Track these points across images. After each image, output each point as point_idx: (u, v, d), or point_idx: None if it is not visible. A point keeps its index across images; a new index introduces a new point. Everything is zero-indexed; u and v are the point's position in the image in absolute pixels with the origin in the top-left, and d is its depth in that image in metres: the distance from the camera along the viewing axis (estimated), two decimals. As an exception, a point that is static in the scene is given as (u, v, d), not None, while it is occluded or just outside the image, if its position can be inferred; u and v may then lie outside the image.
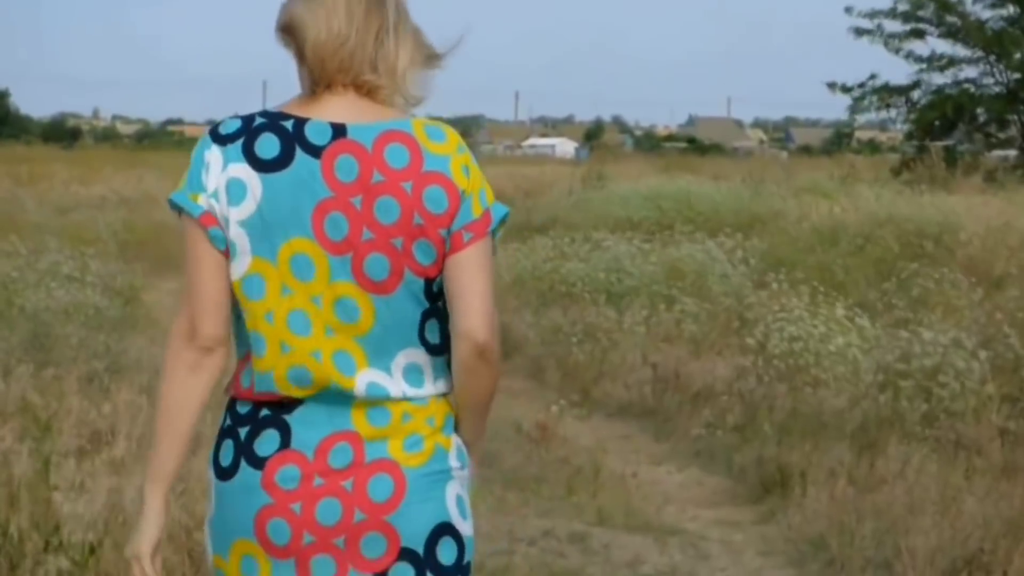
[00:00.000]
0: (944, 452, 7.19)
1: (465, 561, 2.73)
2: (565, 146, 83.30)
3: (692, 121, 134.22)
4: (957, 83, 31.15)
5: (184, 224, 2.68)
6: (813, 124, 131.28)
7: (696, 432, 8.60)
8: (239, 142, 2.61)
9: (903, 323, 9.12)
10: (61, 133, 75.23)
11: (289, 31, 2.65)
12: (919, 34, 30.97)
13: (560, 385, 10.36)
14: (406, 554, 2.63)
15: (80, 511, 4.94)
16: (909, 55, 30.87)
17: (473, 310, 2.59)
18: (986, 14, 30.64)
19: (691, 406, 9.07)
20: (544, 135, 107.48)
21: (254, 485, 2.61)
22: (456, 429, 2.74)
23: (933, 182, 21.57)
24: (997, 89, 31.03)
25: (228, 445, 2.67)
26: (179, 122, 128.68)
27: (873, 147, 73.28)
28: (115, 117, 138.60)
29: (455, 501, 2.72)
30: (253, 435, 2.64)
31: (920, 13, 30.66)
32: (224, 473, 2.66)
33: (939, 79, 31.28)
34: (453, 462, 2.72)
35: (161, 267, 19.20)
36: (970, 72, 31.28)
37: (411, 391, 2.64)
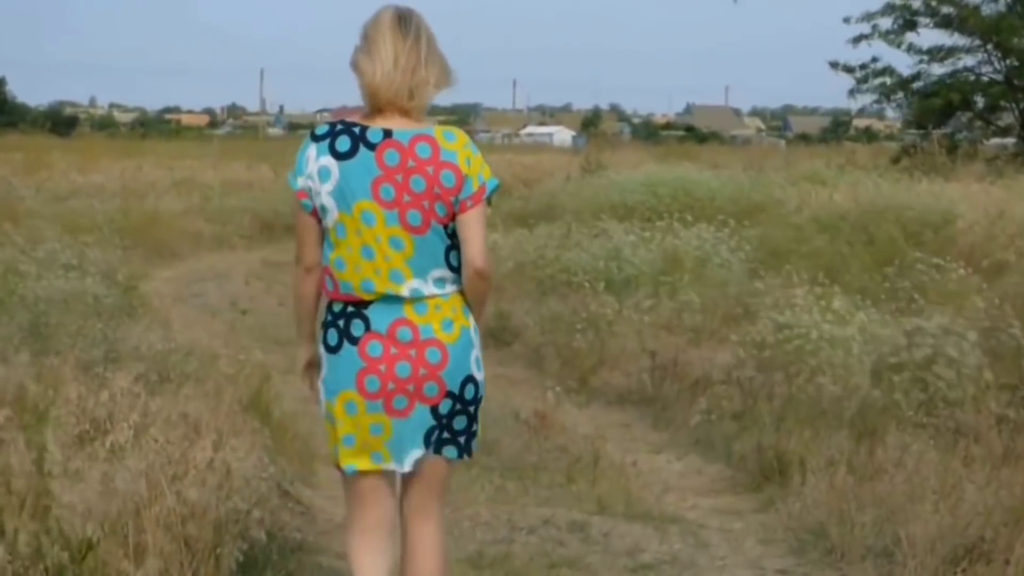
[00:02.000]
0: (943, 440, 7.17)
1: (479, 396, 4.39)
2: (563, 134, 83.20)
3: (690, 109, 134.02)
4: (956, 72, 31.11)
5: (295, 198, 4.32)
6: (811, 112, 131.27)
7: (695, 420, 8.59)
8: (326, 142, 4.24)
9: (902, 311, 9.11)
10: (58, 121, 75.11)
11: (355, 70, 4.25)
12: (911, 26, 30.91)
13: (559, 373, 10.36)
14: (449, 394, 4.29)
15: (77, 500, 4.91)
16: (910, 47, 30.82)
17: (473, 248, 4.23)
18: (982, 2, 30.60)
19: (690, 394, 9.06)
20: (542, 123, 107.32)
21: (353, 355, 4.24)
22: (470, 312, 4.35)
23: (932, 170, 21.55)
24: (995, 77, 31.00)
25: (332, 332, 4.29)
26: (176, 110, 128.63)
27: (871, 135, 73.25)
28: (112, 105, 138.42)
29: (475, 361, 4.36)
30: (347, 323, 4.26)
31: (912, 5, 30.59)
32: (332, 349, 4.29)
33: (939, 69, 31.25)
34: (473, 337, 4.35)
35: (158, 255, 19.24)
36: (968, 61, 31.26)
37: (438, 291, 4.26)
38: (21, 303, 9.96)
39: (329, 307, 4.31)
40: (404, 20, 4.23)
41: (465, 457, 4.42)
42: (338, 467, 4.38)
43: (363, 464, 4.32)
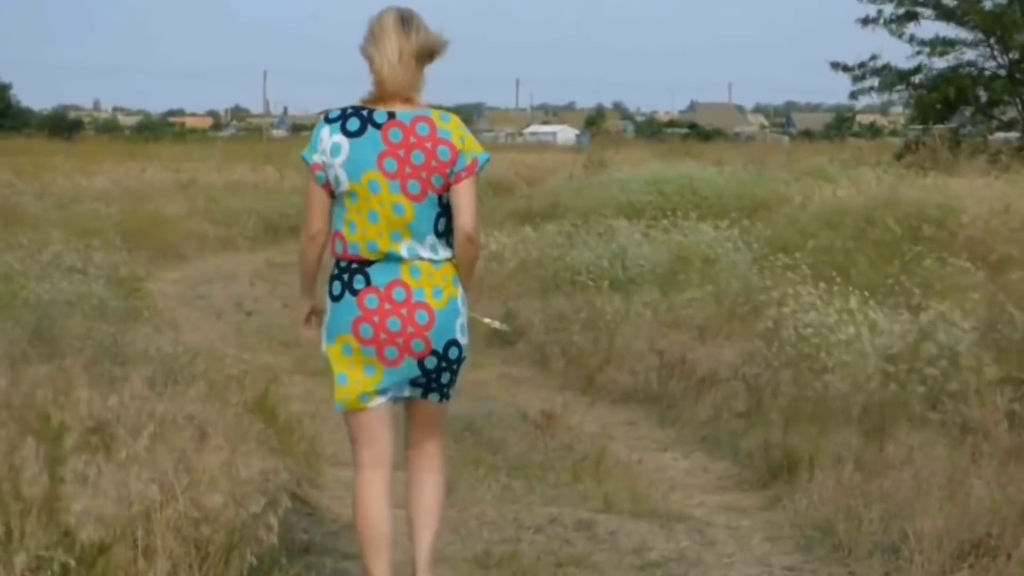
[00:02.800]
0: (951, 436, 7.17)
1: (462, 357, 4.99)
2: (566, 133, 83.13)
3: (693, 107, 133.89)
4: (958, 66, 31.06)
5: (308, 172, 4.95)
6: (814, 109, 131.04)
7: (702, 418, 8.60)
8: (338, 123, 4.91)
9: (907, 306, 9.10)
10: (62, 125, 75.09)
11: (365, 57, 4.93)
12: (912, 17, 30.88)
13: (565, 372, 10.37)
14: (434, 352, 4.90)
15: (88, 505, 4.92)
16: (912, 39, 30.80)
17: (465, 215, 4.88)
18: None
19: (696, 392, 9.06)
20: (545, 122, 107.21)
21: (352, 305, 4.89)
22: (459, 283, 4.98)
23: (936, 165, 21.53)
24: (998, 71, 30.96)
25: (337, 284, 4.93)
26: (180, 113, 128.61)
27: (874, 131, 73.15)
28: (116, 109, 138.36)
29: (459, 327, 4.96)
30: (351, 278, 4.90)
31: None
32: (335, 299, 4.93)
33: (940, 63, 31.21)
34: (459, 302, 4.96)
35: (163, 257, 19.27)
36: (970, 54, 31.22)
37: (432, 256, 4.90)
38: (26, 306, 9.99)
39: (336, 263, 4.96)
40: (406, 21, 4.93)
41: (444, 402, 5.09)
42: (341, 407, 5.02)
43: (353, 404, 4.96)
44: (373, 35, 4.91)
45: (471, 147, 4.91)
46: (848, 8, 30.19)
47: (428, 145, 4.85)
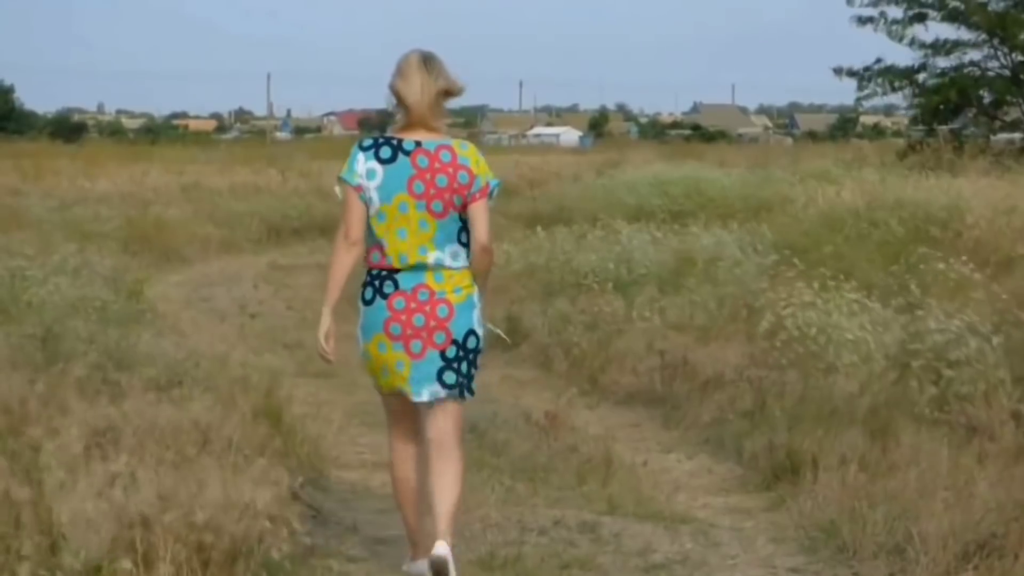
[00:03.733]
0: (956, 436, 7.17)
1: (479, 347, 5.70)
2: (570, 135, 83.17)
3: (697, 108, 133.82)
4: (961, 66, 31.03)
5: (346, 190, 5.61)
6: (817, 110, 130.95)
7: (706, 419, 8.58)
8: (371, 151, 5.61)
9: (911, 307, 9.09)
10: (66, 128, 75.14)
11: (394, 94, 5.66)
12: (921, 18, 30.86)
13: (568, 374, 10.35)
14: (454, 342, 5.60)
15: (90, 512, 4.92)
16: (913, 41, 30.78)
17: (480, 229, 5.59)
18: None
19: (700, 393, 9.05)
20: (549, 124, 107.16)
21: (383, 307, 5.58)
22: (476, 284, 5.67)
23: (939, 166, 21.49)
24: (1001, 71, 30.93)
25: (369, 290, 5.62)
26: (184, 116, 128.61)
27: (878, 131, 73.09)
28: (120, 111, 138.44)
29: (476, 319, 5.66)
30: (381, 284, 5.60)
31: (922, -3, 30.55)
32: (367, 302, 5.62)
33: (943, 63, 31.18)
34: (475, 298, 5.66)
35: (166, 260, 19.26)
36: (974, 55, 31.19)
37: (453, 264, 5.62)
38: (29, 309, 9.98)
39: (368, 272, 5.66)
40: (428, 61, 5.67)
41: (467, 395, 5.71)
42: (380, 391, 5.82)
43: (392, 390, 5.70)
44: (400, 73, 5.65)
45: (484, 171, 5.67)
46: (851, 10, 30.20)
47: (450, 170, 5.59)
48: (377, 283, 5.60)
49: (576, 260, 13.25)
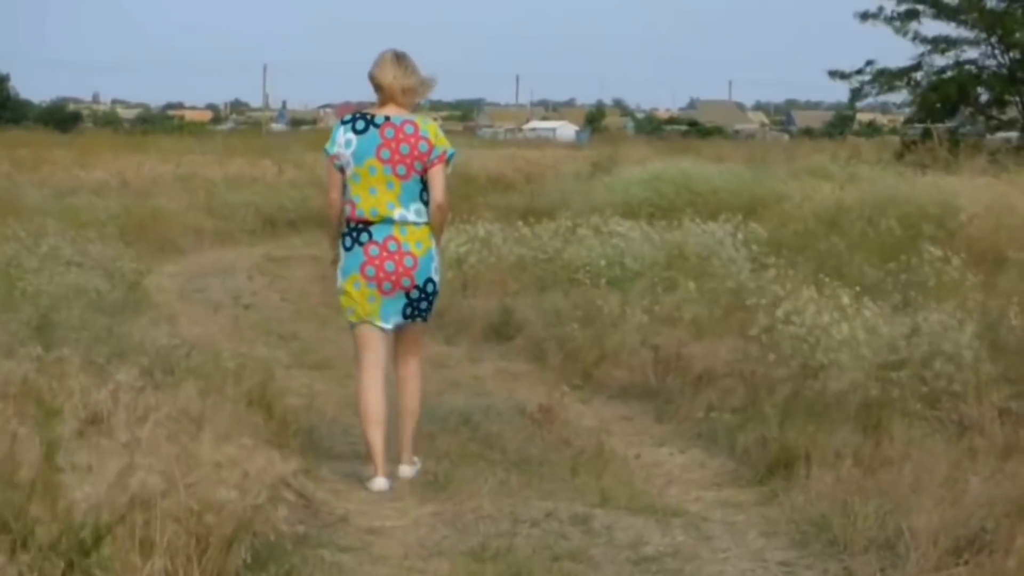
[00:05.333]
0: (947, 433, 7.19)
1: (436, 291, 7.15)
2: (566, 129, 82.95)
3: (693, 104, 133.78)
4: (958, 64, 31.07)
5: (327, 160, 7.08)
6: (814, 107, 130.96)
7: (699, 414, 8.60)
8: (349, 124, 7.02)
9: (905, 304, 9.11)
10: (61, 117, 75.04)
11: (372, 79, 7.09)
12: (914, 15, 30.91)
13: (562, 367, 10.36)
14: (416, 286, 7.03)
15: (87, 493, 4.93)
16: (915, 36, 30.81)
17: (437, 189, 6.98)
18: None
19: (693, 388, 9.06)
20: (545, 118, 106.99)
21: (360, 253, 6.97)
22: (434, 238, 7.13)
23: (935, 164, 21.51)
24: (998, 69, 30.96)
25: (348, 238, 7.03)
26: (179, 106, 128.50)
27: (874, 129, 73.20)
28: (115, 101, 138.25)
29: (435, 268, 7.10)
30: (358, 234, 6.99)
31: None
32: (347, 248, 7.02)
33: (941, 61, 31.23)
34: (434, 251, 7.09)
35: (161, 251, 19.25)
36: (971, 53, 31.22)
37: (416, 219, 7.00)
38: (24, 298, 9.98)
39: (347, 223, 7.08)
40: (399, 57, 7.16)
41: (422, 322, 7.27)
42: (350, 324, 7.22)
43: (363, 318, 7.11)
44: (377, 63, 7.15)
45: (443, 143, 7.06)
46: (848, 6, 30.25)
47: (412, 140, 7.01)
48: (355, 233, 7.04)
49: (569, 254, 13.25)
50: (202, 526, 5.04)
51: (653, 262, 12.52)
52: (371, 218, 6.99)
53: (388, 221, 6.98)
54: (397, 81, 7.05)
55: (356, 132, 7.02)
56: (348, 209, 7.03)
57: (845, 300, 8.65)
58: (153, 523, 4.94)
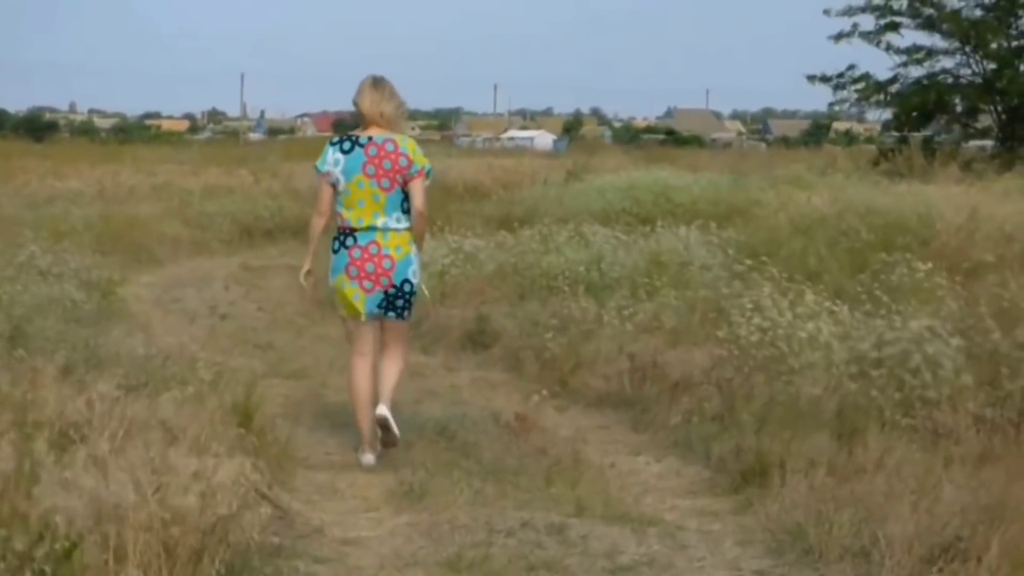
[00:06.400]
0: (922, 440, 7.21)
1: (412, 291, 8.01)
2: (544, 138, 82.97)
3: (671, 113, 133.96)
4: (934, 74, 31.17)
5: (319, 176, 8.02)
6: (791, 116, 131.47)
7: (674, 422, 8.60)
8: (338, 145, 7.98)
9: (880, 312, 9.13)
10: (37, 127, 74.80)
11: (354, 105, 8.02)
12: (893, 27, 31.01)
13: (538, 376, 10.33)
14: (393, 285, 7.94)
15: (61, 505, 4.91)
16: (889, 47, 30.91)
17: (417, 200, 7.89)
18: (961, 4, 30.69)
19: (669, 396, 9.06)
20: (523, 127, 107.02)
21: (345, 255, 7.91)
22: (414, 244, 7.97)
23: (911, 173, 21.58)
24: (974, 79, 31.06)
25: (336, 242, 7.97)
26: (156, 116, 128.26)
27: (850, 138, 73.41)
28: (92, 111, 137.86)
29: (412, 271, 7.97)
30: (344, 239, 7.93)
31: (893, 5, 30.72)
32: (335, 251, 7.95)
33: (917, 71, 31.32)
34: (413, 256, 7.96)
35: (137, 260, 19.19)
36: (947, 63, 31.33)
37: (398, 226, 7.90)
38: (-1, 308, 9.93)
39: (337, 230, 7.98)
40: (377, 82, 8.07)
41: (405, 316, 8.12)
42: (342, 316, 8.25)
43: (351, 314, 8.07)
44: (358, 91, 8.04)
45: (420, 159, 7.98)
46: (826, 32, 30.49)
47: (393, 156, 7.93)
48: (342, 238, 7.98)
49: (547, 262, 13.25)
50: (172, 537, 5.02)
51: (632, 269, 12.53)
52: (357, 226, 7.91)
53: (372, 228, 7.90)
54: (375, 106, 7.96)
55: (344, 152, 7.94)
56: (338, 219, 7.98)
57: (820, 306, 8.67)
58: (126, 533, 4.92)
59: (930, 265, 10.16)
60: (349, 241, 7.93)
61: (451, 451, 8.01)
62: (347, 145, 7.95)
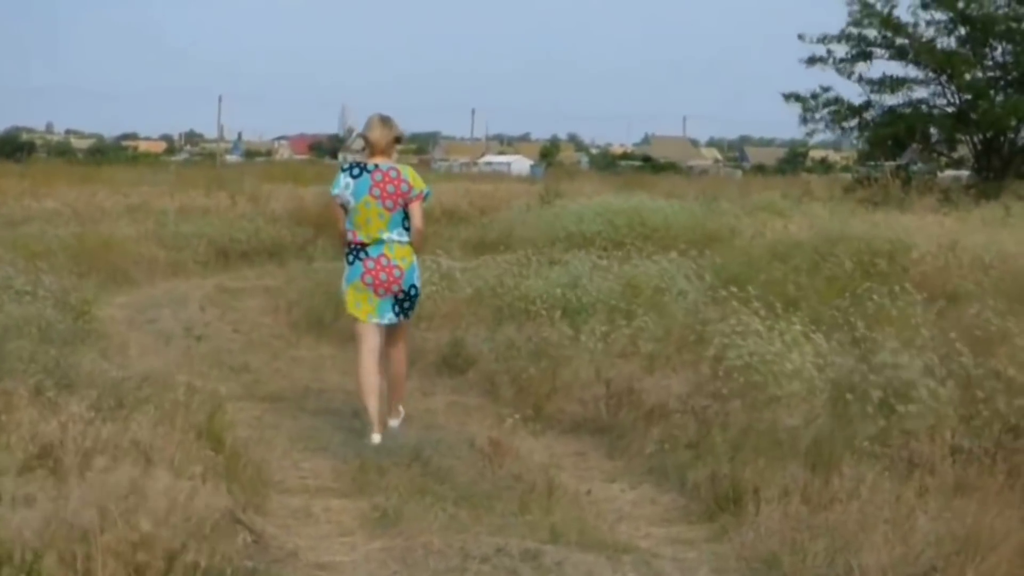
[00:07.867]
0: (897, 470, 7.21)
1: (417, 294, 9.42)
2: (521, 164, 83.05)
3: (648, 140, 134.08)
4: (909, 103, 31.35)
5: (332, 199, 9.34)
6: (767, 143, 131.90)
7: (650, 449, 8.58)
8: (348, 171, 9.24)
9: (856, 340, 9.14)
10: (13, 147, 74.60)
11: (364, 137, 9.36)
12: (866, 56, 31.21)
13: (514, 401, 10.29)
14: (402, 291, 9.26)
15: (25, 523, 4.87)
16: (860, 78, 31.11)
17: (416, 220, 9.20)
18: (936, 35, 30.88)
19: (645, 423, 9.04)
20: (501, 152, 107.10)
21: (359, 266, 9.19)
22: (415, 254, 9.35)
23: (886, 201, 21.67)
24: (948, 109, 31.24)
25: (351, 255, 9.22)
26: (133, 137, 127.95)
27: (826, 166, 73.67)
28: (69, 132, 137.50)
29: (416, 277, 9.32)
30: (358, 252, 9.21)
31: (867, 34, 30.92)
32: (349, 263, 9.23)
33: (891, 100, 31.51)
34: (415, 264, 9.32)
35: (113, 281, 19.09)
36: (921, 92, 31.51)
37: (400, 239, 9.18)
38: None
39: (349, 244, 9.17)
40: (384, 120, 9.28)
41: (410, 315, 9.42)
42: (353, 318, 9.25)
43: (362, 317, 9.19)
44: (367, 125, 9.30)
45: (419, 184, 9.18)
46: (800, 56, 30.70)
47: (396, 182, 9.11)
48: (356, 251, 9.14)
49: (523, 287, 13.24)
50: (140, 560, 4.98)
51: (608, 294, 12.52)
52: (367, 241, 9.11)
53: (380, 242, 9.10)
54: (383, 138, 9.20)
55: (353, 177, 9.13)
56: (350, 235, 9.15)
57: (797, 333, 8.67)
58: (94, 556, 4.88)
59: (906, 293, 10.18)
60: (362, 254, 9.12)
61: (426, 476, 7.98)
62: (356, 171, 9.16)
